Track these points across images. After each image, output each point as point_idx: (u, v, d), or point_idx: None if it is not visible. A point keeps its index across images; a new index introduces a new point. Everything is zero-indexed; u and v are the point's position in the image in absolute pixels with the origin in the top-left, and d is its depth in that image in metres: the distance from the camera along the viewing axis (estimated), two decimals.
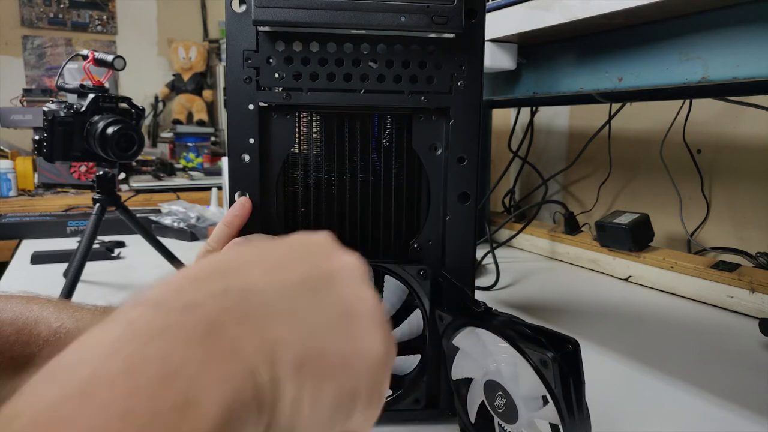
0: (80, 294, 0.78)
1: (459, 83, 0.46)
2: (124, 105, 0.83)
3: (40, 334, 0.43)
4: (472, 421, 0.44)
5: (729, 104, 0.94)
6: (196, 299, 0.20)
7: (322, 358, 0.21)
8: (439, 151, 0.48)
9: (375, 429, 0.50)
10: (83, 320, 0.44)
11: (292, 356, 0.20)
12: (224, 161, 1.46)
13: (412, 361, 0.48)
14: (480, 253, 1.00)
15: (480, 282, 0.91)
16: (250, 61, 0.44)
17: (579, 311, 0.81)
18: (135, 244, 1.11)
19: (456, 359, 0.44)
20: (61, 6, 2.71)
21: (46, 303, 0.46)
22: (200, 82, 2.89)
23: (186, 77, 2.86)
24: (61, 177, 2.13)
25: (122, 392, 0.16)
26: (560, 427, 0.35)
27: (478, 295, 0.49)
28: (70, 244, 1.04)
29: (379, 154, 0.49)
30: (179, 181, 2.31)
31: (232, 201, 0.46)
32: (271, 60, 0.44)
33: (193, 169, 2.63)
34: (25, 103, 2.21)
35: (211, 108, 2.92)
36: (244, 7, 0.44)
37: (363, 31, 0.44)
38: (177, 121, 2.80)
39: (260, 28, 0.44)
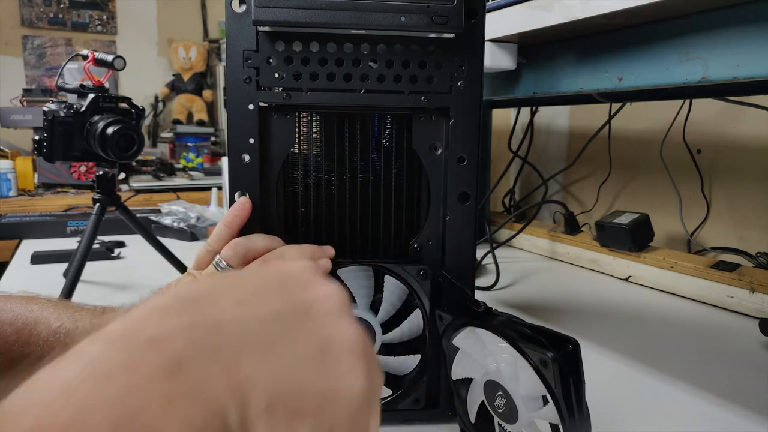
0: (80, 294, 0.78)
1: (459, 83, 0.46)
2: (124, 105, 0.83)
3: (40, 334, 0.43)
4: (472, 421, 0.44)
5: (729, 104, 0.94)
6: (159, 333, 0.18)
7: (296, 396, 0.20)
8: (439, 151, 0.48)
9: None
10: (83, 320, 0.43)
11: (264, 395, 0.19)
12: (224, 161, 1.46)
13: (412, 361, 0.48)
14: (480, 253, 1.00)
15: (480, 282, 0.91)
16: (250, 61, 0.44)
17: (579, 311, 0.81)
18: (135, 244, 1.11)
19: (456, 359, 0.44)
20: (61, 6, 2.71)
21: (45, 303, 0.46)
22: (200, 82, 2.89)
23: (186, 77, 2.86)
24: (61, 177, 2.13)
25: None
26: (560, 427, 0.35)
27: (478, 295, 0.49)
28: (70, 244, 1.04)
29: (379, 154, 0.49)
30: (179, 181, 2.31)
31: (232, 201, 0.46)
32: (271, 60, 0.44)
33: (193, 169, 2.63)
34: (25, 103, 2.21)
35: (211, 108, 2.92)
36: (244, 7, 0.44)
37: (363, 31, 0.44)
38: (177, 121, 2.80)
39: (260, 28, 0.44)
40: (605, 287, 0.92)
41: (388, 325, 0.47)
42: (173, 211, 1.26)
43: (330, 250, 0.45)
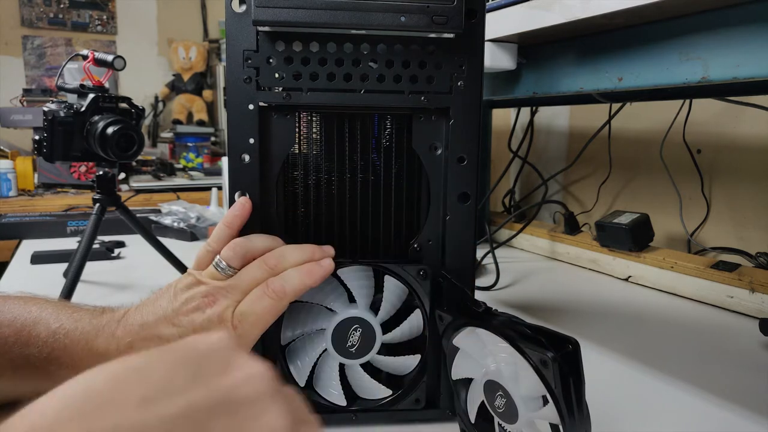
0: (80, 294, 0.78)
1: (459, 83, 0.46)
2: (124, 105, 0.83)
3: (39, 335, 0.43)
4: (472, 421, 0.44)
5: (729, 104, 0.94)
6: None
7: None
8: (439, 151, 0.48)
9: (375, 429, 0.50)
10: (82, 321, 0.43)
11: None
12: (224, 161, 1.46)
13: (412, 361, 0.48)
14: (480, 253, 1.00)
15: (480, 282, 0.91)
16: (250, 61, 0.44)
17: (579, 311, 0.81)
18: (135, 244, 1.11)
19: (456, 359, 0.44)
20: (61, 6, 2.71)
21: (44, 304, 0.46)
22: (200, 82, 2.89)
23: (186, 77, 2.87)
24: (61, 177, 2.13)
25: None
26: (560, 427, 0.35)
27: (478, 295, 0.49)
28: (70, 244, 1.04)
29: (379, 154, 0.49)
30: (179, 181, 2.31)
31: (232, 201, 0.46)
32: (271, 60, 0.44)
33: (193, 169, 2.63)
34: (25, 103, 2.21)
35: (211, 108, 2.92)
36: (244, 7, 0.44)
37: (363, 31, 0.44)
38: (177, 121, 2.80)
39: (260, 28, 0.44)
40: (605, 287, 0.92)
41: (388, 325, 0.47)
42: (173, 211, 1.26)
43: (330, 250, 0.45)
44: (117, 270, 0.97)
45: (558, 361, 0.34)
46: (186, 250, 0.96)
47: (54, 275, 0.88)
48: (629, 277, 0.94)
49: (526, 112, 1.36)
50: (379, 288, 0.47)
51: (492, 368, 0.40)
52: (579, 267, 1.03)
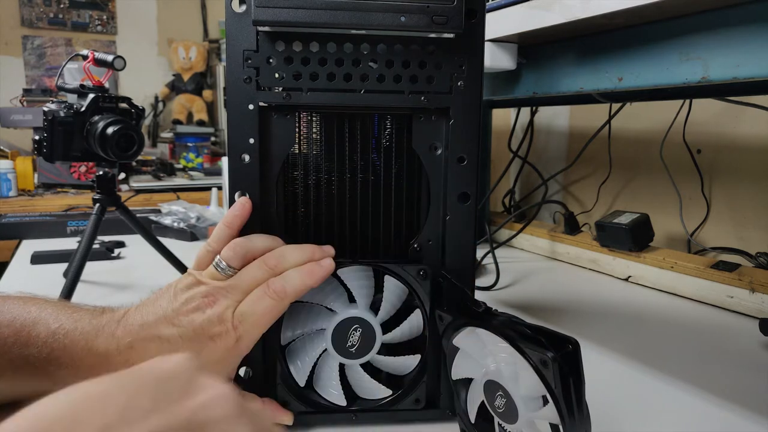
0: (80, 294, 0.78)
1: (459, 83, 0.46)
2: (124, 105, 0.83)
3: (39, 335, 0.43)
4: (472, 421, 0.44)
5: (729, 104, 0.94)
6: None
7: None
8: (439, 151, 0.48)
9: (375, 429, 0.50)
10: (82, 321, 0.43)
11: None
12: (224, 161, 1.46)
13: (412, 361, 0.48)
14: (480, 253, 1.00)
15: (480, 282, 0.91)
16: (250, 61, 0.44)
17: (579, 311, 0.81)
18: (135, 244, 1.11)
19: (456, 359, 0.44)
20: (61, 6, 2.71)
21: (43, 304, 0.46)
22: (200, 82, 2.89)
23: (186, 77, 2.87)
24: (61, 177, 2.13)
25: None
26: (560, 427, 0.35)
27: (478, 295, 0.49)
28: (70, 244, 1.04)
29: (379, 154, 0.49)
30: (179, 181, 2.31)
31: (232, 201, 0.46)
32: (271, 60, 0.44)
33: (193, 169, 2.63)
34: (25, 103, 2.21)
35: (211, 108, 2.92)
36: (244, 7, 0.44)
37: (363, 31, 0.44)
38: (177, 121, 2.80)
39: (260, 28, 0.44)
40: (605, 287, 0.92)
41: (388, 325, 0.47)
42: (173, 211, 1.26)
43: (330, 250, 0.45)
44: (117, 270, 0.97)
45: (558, 361, 0.34)
46: (186, 250, 0.96)
47: (54, 275, 0.88)
48: (629, 277, 0.94)
49: (526, 112, 1.36)
50: (379, 288, 0.47)
51: (492, 368, 0.40)
52: (579, 267, 1.03)
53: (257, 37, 0.44)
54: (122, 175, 2.10)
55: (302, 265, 0.43)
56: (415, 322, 0.47)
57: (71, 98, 0.82)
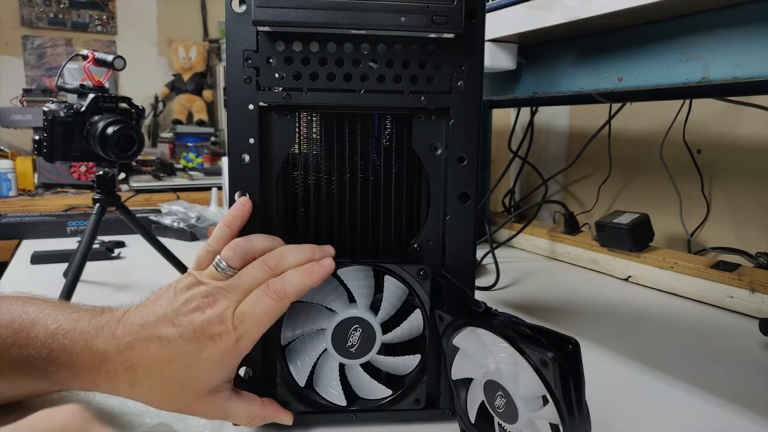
0: (80, 294, 0.78)
1: (459, 83, 0.46)
2: (124, 105, 0.83)
3: (38, 336, 0.43)
4: (472, 421, 0.44)
5: (729, 104, 0.94)
6: None
7: None
8: (439, 151, 0.48)
9: (375, 429, 0.50)
10: (81, 321, 0.43)
11: None
12: (224, 161, 1.46)
13: (412, 361, 0.48)
14: (480, 253, 1.00)
15: (480, 282, 0.91)
16: (250, 61, 0.44)
17: (579, 311, 0.81)
18: (135, 244, 1.11)
19: (456, 359, 0.44)
20: (61, 6, 2.71)
21: (42, 304, 0.46)
22: (200, 82, 2.90)
23: (186, 77, 2.87)
24: (61, 177, 2.13)
25: None
26: (560, 427, 0.35)
27: (478, 295, 0.49)
28: (70, 244, 1.04)
29: (379, 154, 0.49)
30: (179, 181, 2.31)
31: (232, 201, 0.46)
32: (271, 60, 0.44)
33: (193, 169, 2.63)
34: (25, 103, 2.21)
35: (211, 108, 2.92)
36: (244, 7, 0.44)
37: (363, 31, 0.44)
38: (177, 121, 2.80)
39: (260, 28, 0.44)
40: (605, 287, 0.92)
41: (388, 325, 0.47)
42: (173, 211, 1.26)
43: (330, 250, 0.45)
44: (117, 270, 0.97)
45: (558, 361, 0.34)
46: (186, 250, 0.96)
47: (54, 275, 0.88)
48: (629, 277, 0.94)
49: (526, 112, 1.36)
50: (379, 288, 0.47)
51: (492, 368, 0.40)
52: (579, 267, 1.03)
53: (257, 37, 0.44)
54: (122, 175, 2.11)
55: (302, 265, 0.43)
56: (415, 322, 0.47)
57: (71, 98, 0.82)
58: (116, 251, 1.06)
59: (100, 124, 0.77)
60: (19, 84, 2.61)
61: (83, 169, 2.12)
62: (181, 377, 0.41)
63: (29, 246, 1.10)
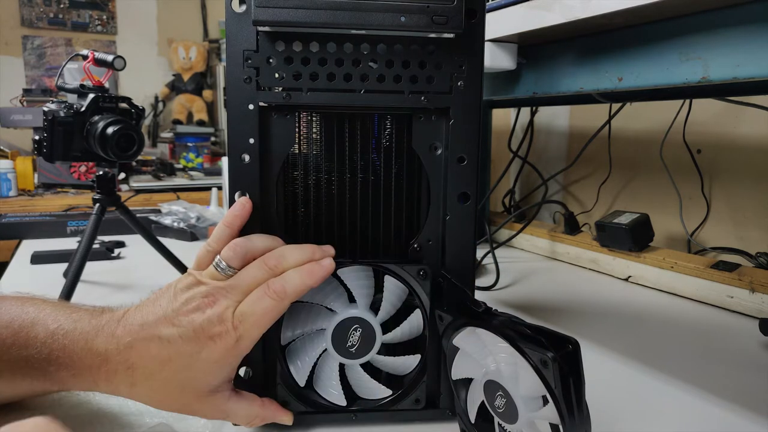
0: (80, 294, 0.78)
1: (459, 83, 0.46)
2: (124, 105, 0.83)
3: (38, 336, 0.43)
4: (472, 421, 0.44)
5: (729, 104, 0.94)
6: None
7: None
8: (439, 151, 0.48)
9: (375, 429, 0.50)
10: (81, 321, 0.43)
11: None
12: (224, 161, 1.46)
13: (412, 361, 0.48)
14: (480, 253, 1.00)
15: (480, 282, 0.91)
16: (250, 61, 0.44)
17: (579, 311, 0.81)
18: (135, 244, 1.11)
19: (456, 359, 0.44)
20: (61, 6, 2.71)
21: (41, 304, 0.45)
22: (200, 82, 2.89)
23: (186, 77, 2.87)
24: (61, 177, 2.13)
25: None
26: (560, 427, 0.35)
27: (478, 295, 0.49)
28: (70, 244, 1.04)
29: (379, 154, 0.49)
30: (179, 181, 2.31)
31: (232, 201, 0.46)
32: (271, 60, 0.44)
33: (193, 169, 2.63)
34: (25, 103, 2.21)
35: (211, 108, 2.92)
36: (244, 7, 0.44)
37: (363, 31, 0.44)
38: (177, 121, 2.80)
39: (260, 28, 0.44)
40: (605, 287, 0.92)
41: (388, 325, 0.47)
42: (173, 211, 1.26)
43: (330, 250, 0.45)
44: (117, 270, 0.97)
45: (558, 361, 0.34)
46: (186, 250, 0.96)
47: (54, 275, 0.88)
48: (629, 277, 0.94)
49: (526, 112, 1.36)
50: (379, 288, 0.47)
51: (492, 368, 0.40)
52: (579, 267, 1.03)
53: (257, 37, 0.44)
54: (122, 175, 2.11)
55: (302, 265, 0.43)
56: (415, 322, 0.47)
57: (71, 98, 0.82)
58: (116, 251, 1.06)
59: (100, 124, 0.77)
60: (19, 84, 2.61)
61: (83, 169, 2.12)
62: (181, 377, 0.41)
63: (29, 246, 1.10)
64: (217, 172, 2.35)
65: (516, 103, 1.31)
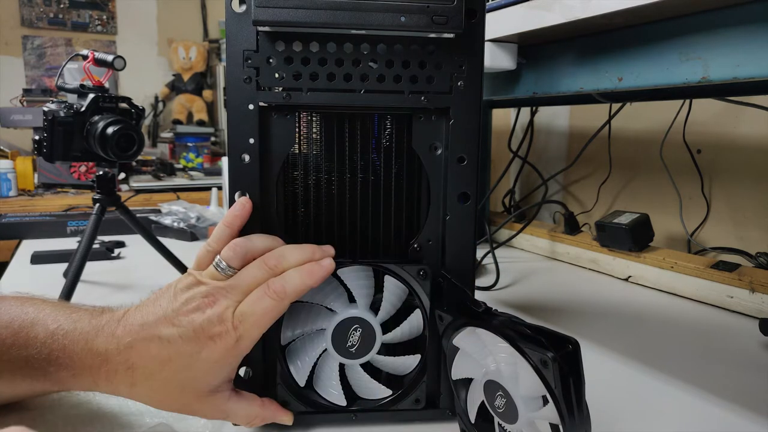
0: (80, 294, 0.78)
1: (459, 83, 0.46)
2: (124, 105, 0.83)
3: (38, 336, 0.43)
4: (472, 421, 0.44)
5: (729, 104, 0.94)
6: None
7: None
8: (439, 151, 0.48)
9: (375, 429, 0.50)
10: (81, 321, 0.43)
11: None
12: (224, 161, 1.46)
13: (412, 361, 0.48)
14: (480, 253, 1.00)
15: (480, 282, 0.91)
16: (250, 61, 0.44)
17: (579, 311, 0.81)
18: (135, 244, 1.11)
19: (456, 359, 0.44)
20: (61, 6, 2.71)
21: (41, 304, 0.45)
22: (200, 82, 2.89)
23: (186, 77, 2.87)
24: (61, 177, 2.13)
25: None
26: (560, 427, 0.35)
27: (478, 295, 0.49)
28: (70, 244, 1.04)
29: (379, 154, 0.49)
30: (179, 181, 2.31)
31: (232, 201, 0.46)
32: (271, 60, 0.44)
33: (193, 169, 2.63)
34: (25, 103, 2.21)
35: (211, 108, 2.92)
36: (244, 7, 0.44)
37: (363, 31, 0.44)
38: (177, 121, 2.80)
39: (260, 28, 0.44)
40: (605, 287, 0.92)
41: (388, 325, 0.47)
42: (173, 211, 1.26)
43: (330, 250, 0.45)
44: (117, 270, 0.97)
45: (558, 361, 0.34)
46: (186, 250, 0.96)
47: (54, 275, 0.88)
48: (629, 277, 0.94)
49: (526, 112, 1.36)
50: (379, 288, 0.47)
51: (492, 368, 0.40)
52: (579, 267, 1.03)
53: (257, 37, 0.44)
54: (122, 175, 2.11)
55: (302, 265, 0.43)
56: (415, 322, 0.47)
57: (71, 98, 0.82)
58: (116, 251, 1.06)
59: (100, 124, 0.77)
60: (19, 84, 2.61)
61: (83, 169, 2.12)
62: (181, 377, 0.41)
63: (29, 246, 1.10)
64: (217, 172, 2.35)
65: (516, 103, 1.31)
